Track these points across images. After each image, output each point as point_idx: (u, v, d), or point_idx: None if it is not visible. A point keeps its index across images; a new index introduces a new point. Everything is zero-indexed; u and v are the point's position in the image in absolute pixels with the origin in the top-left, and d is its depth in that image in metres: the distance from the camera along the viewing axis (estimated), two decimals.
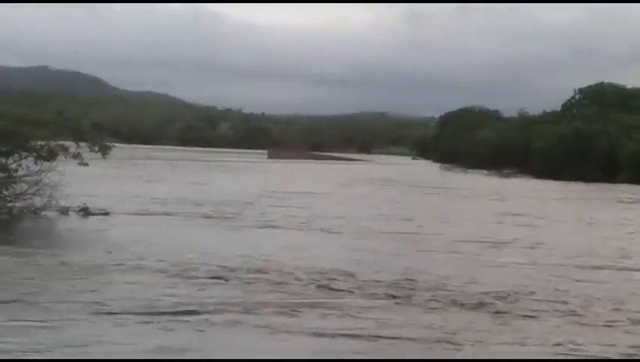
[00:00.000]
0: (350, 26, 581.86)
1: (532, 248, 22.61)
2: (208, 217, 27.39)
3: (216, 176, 57.54)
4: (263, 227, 25.57)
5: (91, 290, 13.74)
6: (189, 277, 15.43)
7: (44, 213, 23.90)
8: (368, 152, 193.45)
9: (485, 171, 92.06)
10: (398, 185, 56.02)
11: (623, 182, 70.48)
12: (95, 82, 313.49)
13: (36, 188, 23.77)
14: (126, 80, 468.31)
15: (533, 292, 15.29)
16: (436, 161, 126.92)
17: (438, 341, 11.42)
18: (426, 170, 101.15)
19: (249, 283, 15.20)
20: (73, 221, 24.08)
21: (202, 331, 11.45)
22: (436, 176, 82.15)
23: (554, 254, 21.32)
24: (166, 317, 12.03)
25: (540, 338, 11.71)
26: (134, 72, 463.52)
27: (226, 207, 30.99)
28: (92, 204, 26.91)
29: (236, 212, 29.35)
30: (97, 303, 12.69)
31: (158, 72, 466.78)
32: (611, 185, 67.60)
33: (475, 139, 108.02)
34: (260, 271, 16.47)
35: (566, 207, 42.88)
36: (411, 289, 15.15)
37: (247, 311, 12.71)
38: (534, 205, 41.38)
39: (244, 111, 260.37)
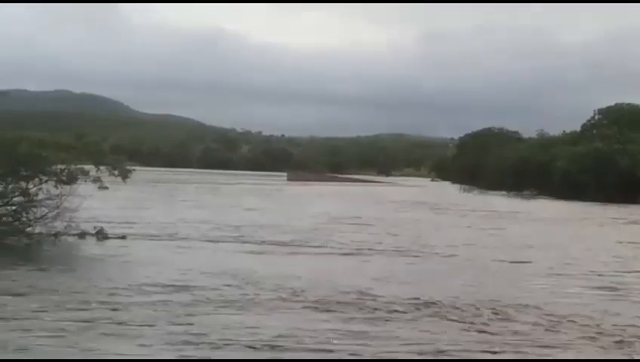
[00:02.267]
0: (365, 47, 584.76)
1: None
2: (289, 244, 26.02)
3: (257, 201, 55.88)
4: (366, 254, 24.35)
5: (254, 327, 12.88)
6: (369, 312, 14.43)
7: (64, 236, 23.86)
8: (387, 174, 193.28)
9: (504, 192, 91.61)
10: (443, 209, 54.61)
11: None
12: (115, 105, 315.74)
13: (56, 211, 23.77)
14: (145, 102, 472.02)
15: None
16: (455, 182, 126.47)
17: None
18: (450, 191, 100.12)
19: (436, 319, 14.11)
20: (153, 245, 23.93)
21: None
22: (467, 198, 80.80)
23: None
24: None
25: None
26: (154, 95, 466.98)
27: (298, 234, 29.58)
28: (170, 231, 27.63)
29: (314, 238, 28.10)
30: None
31: (177, 94, 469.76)
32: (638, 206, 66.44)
33: (494, 161, 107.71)
34: (441, 306, 15.26)
35: None
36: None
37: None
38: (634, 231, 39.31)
39: (263, 133, 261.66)
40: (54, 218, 23.71)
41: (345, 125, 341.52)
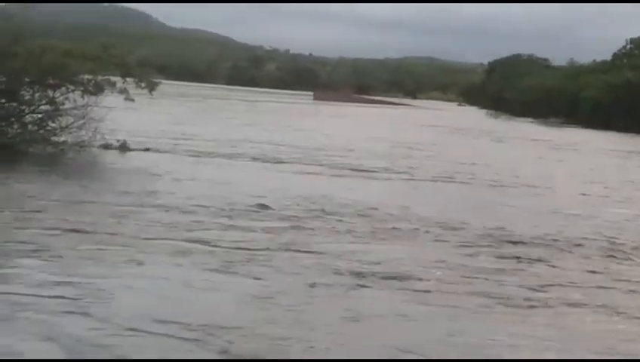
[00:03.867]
0: None
1: None
2: (367, 170, 25.01)
3: (295, 120, 54.54)
4: (464, 183, 23.63)
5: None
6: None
7: (92, 147, 24.02)
8: (414, 97, 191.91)
9: (531, 119, 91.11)
10: (486, 134, 54.01)
11: None
12: (145, 18, 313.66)
13: (82, 121, 23.87)
14: (176, 17, 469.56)
15: None
16: (482, 107, 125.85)
17: None
18: (479, 116, 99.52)
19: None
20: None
21: None
22: (500, 124, 79.30)
23: None
24: None
25: None
26: (184, 10, 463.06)
27: (368, 158, 28.64)
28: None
29: (389, 163, 27.20)
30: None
31: (208, 10, 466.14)
32: None
33: (522, 87, 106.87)
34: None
35: None
36: None
37: None
38: None
39: (291, 51, 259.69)
40: (80, 127, 23.82)
41: (374, 47, 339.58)
